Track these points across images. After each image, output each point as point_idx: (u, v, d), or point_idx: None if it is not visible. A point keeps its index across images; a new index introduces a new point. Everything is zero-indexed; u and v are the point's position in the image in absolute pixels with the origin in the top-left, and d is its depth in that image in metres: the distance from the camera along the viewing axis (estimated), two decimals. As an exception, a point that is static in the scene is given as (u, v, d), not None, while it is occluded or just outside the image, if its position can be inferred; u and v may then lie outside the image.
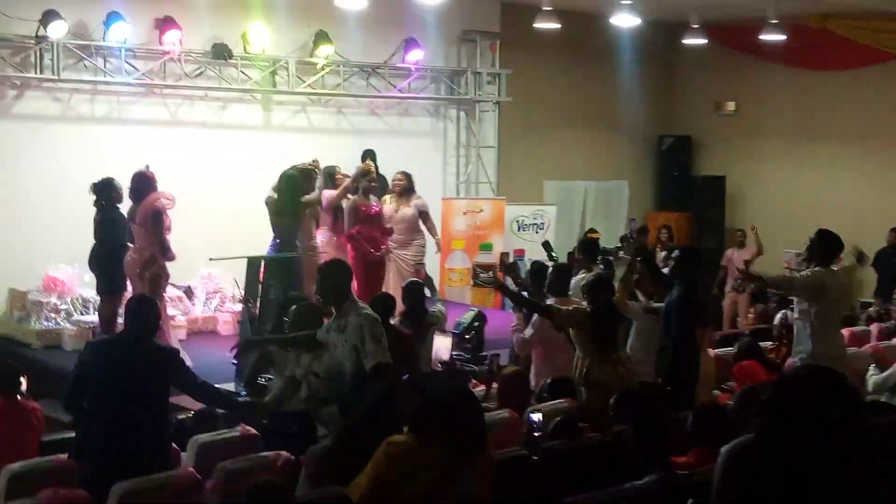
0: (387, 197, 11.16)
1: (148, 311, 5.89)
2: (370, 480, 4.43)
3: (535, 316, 8.06)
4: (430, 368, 8.30)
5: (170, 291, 10.79)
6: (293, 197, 9.90)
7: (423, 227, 11.32)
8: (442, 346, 7.82)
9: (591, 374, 7.19)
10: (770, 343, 9.44)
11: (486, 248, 13.94)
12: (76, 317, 10.40)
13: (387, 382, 6.03)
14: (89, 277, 9.92)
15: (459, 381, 7.32)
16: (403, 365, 6.96)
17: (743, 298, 14.47)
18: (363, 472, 4.42)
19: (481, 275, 13.81)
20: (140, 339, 5.75)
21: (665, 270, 8.48)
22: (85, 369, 5.73)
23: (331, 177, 10.76)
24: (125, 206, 9.47)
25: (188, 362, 9.23)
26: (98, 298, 9.86)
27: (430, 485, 4.33)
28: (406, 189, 11.19)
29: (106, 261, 9.43)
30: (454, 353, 9.68)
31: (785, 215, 15.81)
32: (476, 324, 9.90)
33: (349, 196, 10.59)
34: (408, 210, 11.13)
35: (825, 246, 7.60)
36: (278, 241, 9.78)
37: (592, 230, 14.99)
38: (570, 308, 7.69)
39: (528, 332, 8.13)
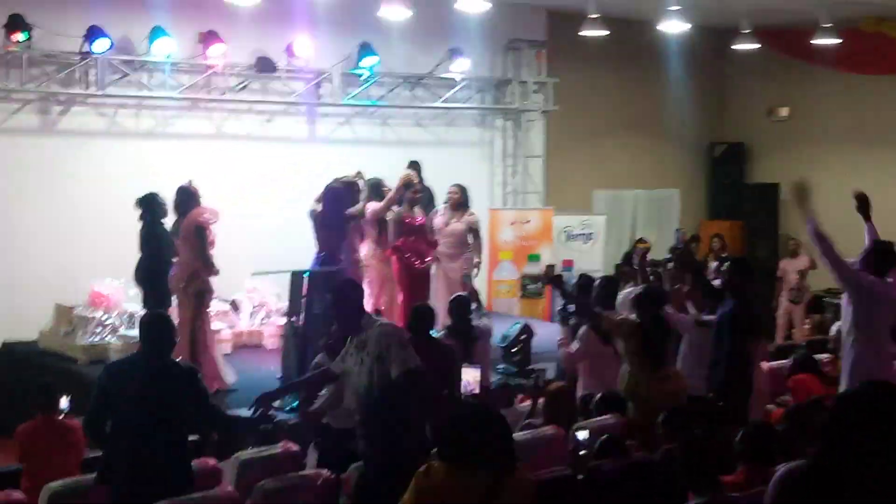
0: (440, 207, 11.00)
1: (163, 328, 5.75)
2: None
3: (582, 329, 7.89)
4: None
5: (215, 305, 10.79)
6: (337, 210, 9.79)
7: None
8: (471, 377, 7.62)
9: (638, 388, 7.02)
10: (826, 355, 9.18)
11: (534, 258, 13.77)
12: (122, 331, 10.37)
13: (420, 390, 5.84)
14: (135, 292, 9.89)
15: (486, 403, 7.07)
16: (444, 380, 6.81)
17: (798, 310, 14.18)
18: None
19: (529, 286, 13.68)
20: (157, 358, 5.62)
21: (716, 282, 8.26)
22: (104, 392, 5.61)
23: (376, 188, 10.64)
24: (169, 221, 9.43)
25: (232, 378, 9.36)
26: (143, 313, 9.81)
27: None
28: (459, 203, 10.99)
29: (151, 275, 9.40)
30: (500, 366, 9.56)
31: (840, 223, 15.38)
32: (523, 336, 9.77)
33: (393, 208, 10.47)
34: (458, 225, 10.93)
35: (878, 257, 7.32)
36: (323, 254, 9.68)
37: (641, 239, 14.78)
38: (619, 318, 7.51)
39: (575, 345, 7.96)
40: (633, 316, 7.54)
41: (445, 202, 11.10)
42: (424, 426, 5.80)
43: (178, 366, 5.85)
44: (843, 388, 7.23)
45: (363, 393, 5.87)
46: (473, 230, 11.06)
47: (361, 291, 6.50)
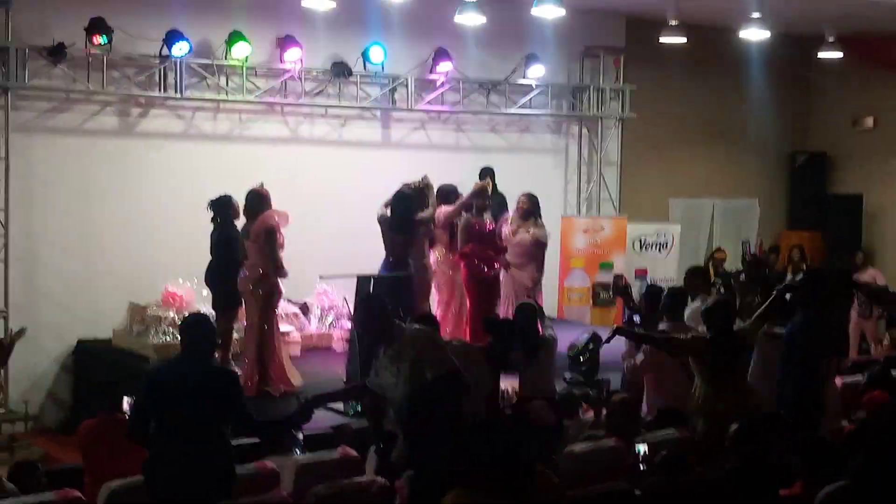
0: (508, 216, 10.91)
1: (202, 330, 5.75)
2: None
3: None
4: (543, 391, 8.00)
5: (286, 307, 10.88)
6: (406, 214, 9.79)
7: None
8: (509, 386, 7.51)
9: (708, 403, 6.89)
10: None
11: (607, 266, 13.63)
12: (193, 332, 10.47)
13: (457, 393, 5.76)
14: (207, 293, 9.99)
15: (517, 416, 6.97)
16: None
17: (869, 324, 13.84)
18: None
19: (601, 294, 13.54)
20: (196, 361, 5.64)
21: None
22: (146, 394, 5.67)
23: (448, 195, 10.61)
24: (241, 224, 9.51)
25: (299, 380, 9.39)
26: (214, 314, 9.91)
27: None
28: (528, 212, 10.84)
29: (221, 277, 9.47)
30: (568, 375, 9.46)
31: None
32: (591, 346, 9.63)
33: (464, 214, 10.43)
34: (525, 236, 10.78)
35: None
36: (391, 259, 9.69)
37: (719, 249, 14.56)
38: (689, 336, 7.37)
39: (639, 358, 7.85)
40: (702, 329, 7.41)
41: (515, 210, 11.00)
42: (468, 427, 5.72)
43: (217, 369, 5.88)
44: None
45: (404, 402, 5.85)
46: (541, 242, 10.90)
47: (388, 303, 6.40)
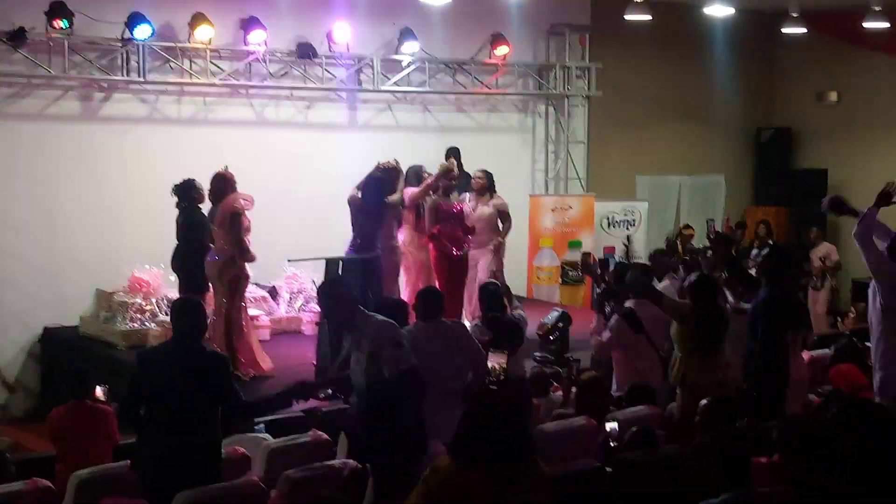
0: (466, 195, 10.94)
1: (194, 313, 5.73)
2: None
3: (613, 319, 7.79)
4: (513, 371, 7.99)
5: (254, 291, 10.83)
6: (376, 196, 9.76)
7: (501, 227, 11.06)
8: (497, 363, 7.52)
9: (688, 376, 6.92)
10: (871, 344, 9.00)
11: (576, 245, 13.67)
12: (161, 317, 10.42)
13: (413, 391, 5.76)
14: (174, 278, 9.92)
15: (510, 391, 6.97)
16: (461, 365, 6.73)
17: (820, 296, 14.01)
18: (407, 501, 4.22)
19: (570, 273, 13.58)
20: (188, 344, 5.62)
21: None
22: (138, 379, 5.64)
23: (417, 175, 10.60)
24: (206, 208, 9.45)
25: (269, 364, 9.36)
26: (176, 298, 9.84)
27: None
28: (485, 188, 10.94)
29: (187, 261, 9.40)
30: (538, 354, 9.48)
31: (888, 210, 15.14)
32: (560, 324, 9.65)
33: (430, 194, 10.42)
34: (486, 209, 10.89)
35: None
36: (358, 240, 9.67)
37: (687, 226, 14.62)
38: (682, 300, 7.36)
39: (606, 335, 7.87)
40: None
41: (471, 187, 10.99)
42: (422, 427, 5.70)
43: (209, 353, 5.81)
44: (875, 377, 7.08)
45: (362, 393, 5.87)
46: (503, 212, 10.98)
47: (353, 289, 6.39)
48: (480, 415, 4.15)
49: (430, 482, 4.08)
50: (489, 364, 6.94)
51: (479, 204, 10.87)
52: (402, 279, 10.38)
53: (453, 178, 10.49)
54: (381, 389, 5.75)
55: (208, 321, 9.47)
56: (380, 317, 6.13)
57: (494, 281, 8.13)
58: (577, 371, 7.88)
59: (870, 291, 6.87)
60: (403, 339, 5.97)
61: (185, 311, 5.77)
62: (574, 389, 7.22)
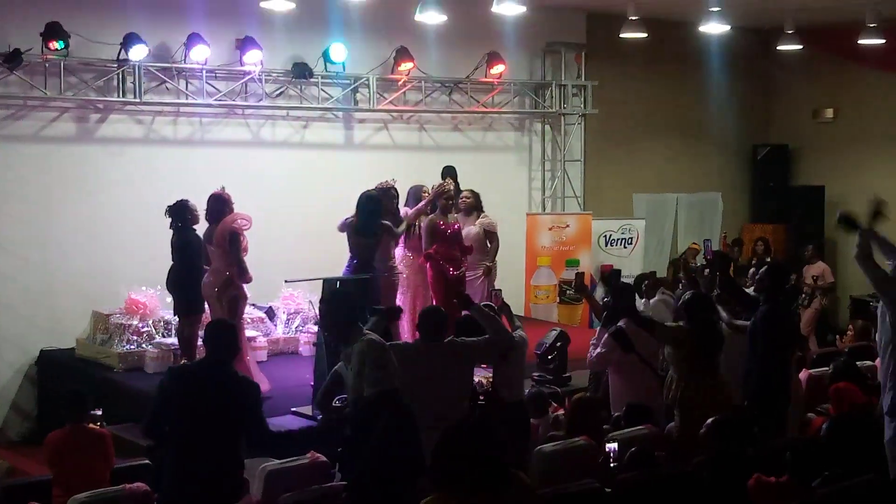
0: (456, 215, 10.87)
1: (226, 336, 5.79)
2: None
3: (605, 337, 7.75)
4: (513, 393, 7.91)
5: (251, 312, 10.79)
6: (372, 217, 9.72)
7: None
8: (484, 379, 7.48)
9: (684, 396, 6.87)
10: (869, 362, 8.97)
11: (573, 263, 13.64)
12: (158, 339, 10.39)
13: (395, 415, 5.74)
14: (170, 299, 9.89)
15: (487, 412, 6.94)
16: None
17: (806, 315, 13.99)
18: None
19: (568, 291, 13.55)
20: (220, 366, 5.65)
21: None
22: (167, 396, 5.65)
23: (416, 196, 10.58)
24: (202, 228, 9.42)
25: (266, 385, 9.31)
26: (177, 319, 9.83)
27: None
28: (472, 207, 10.94)
29: (182, 282, 9.39)
30: (536, 374, 9.44)
31: (888, 226, 15.12)
32: (559, 344, 9.63)
33: (427, 214, 10.39)
34: (472, 228, 10.89)
35: None
36: (355, 261, 9.63)
37: (694, 244, 14.58)
38: (675, 324, 7.33)
39: (595, 352, 7.84)
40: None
41: (457, 208, 10.93)
42: (406, 446, 5.67)
43: (240, 378, 5.82)
44: (884, 397, 7.03)
45: (349, 406, 5.89)
46: (490, 232, 10.98)
47: (351, 304, 6.38)
48: (455, 438, 4.03)
49: None
50: (475, 379, 6.92)
51: (467, 223, 10.85)
52: (399, 300, 10.33)
53: (450, 197, 10.47)
54: (362, 408, 5.77)
55: (200, 344, 9.57)
56: (374, 335, 6.14)
57: (491, 304, 8.04)
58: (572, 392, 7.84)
59: (878, 312, 6.82)
60: (389, 361, 5.91)
61: (220, 332, 5.82)
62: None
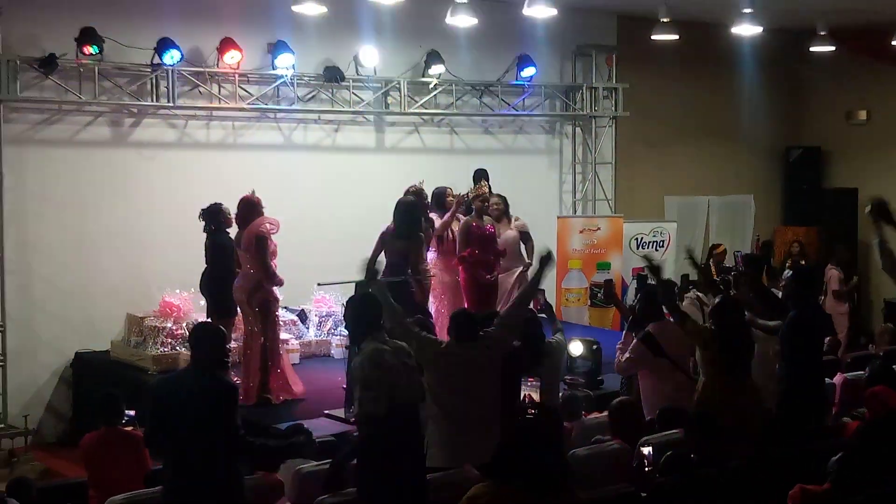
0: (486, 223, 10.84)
1: (211, 340, 5.66)
2: None
3: (634, 342, 7.72)
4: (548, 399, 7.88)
5: (283, 315, 10.82)
6: (408, 221, 9.70)
7: (523, 250, 11.02)
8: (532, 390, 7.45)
9: (703, 397, 6.85)
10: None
11: (604, 266, 13.61)
12: (191, 342, 10.43)
13: (370, 434, 5.66)
14: (204, 302, 9.94)
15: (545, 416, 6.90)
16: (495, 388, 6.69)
17: (841, 317, 13.79)
18: None
19: (599, 294, 13.50)
20: (203, 372, 5.53)
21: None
22: (156, 406, 5.57)
23: (439, 199, 10.57)
24: (234, 232, 9.47)
25: (300, 388, 9.33)
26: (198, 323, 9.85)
27: None
28: (503, 212, 10.90)
29: (215, 285, 9.44)
30: (569, 377, 9.40)
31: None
32: (593, 347, 9.62)
33: (459, 217, 10.40)
34: (510, 233, 10.86)
35: None
36: (390, 264, 9.62)
37: (717, 245, 14.49)
38: (703, 324, 7.29)
39: (623, 356, 7.80)
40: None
41: (488, 215, 10.89)
42: (388, 471, 5.61)
43: (220, 381, 5.63)
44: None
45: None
46: (524, 233, 10.98)
47: (367, 308, 6.17)
48: (518, 444, 4.09)
49: None
50: (523, 393, 6.90)
51: (501, 228, 10.81)
52: (431, 304, 10.33)
53: (486, 199, 10.48)
54: (356, 420, 5.82)
55: (234, 346, 9.60)
56: (380, 345, 5.77)
57: (532, 309, 7.99)
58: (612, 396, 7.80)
59: None
60: (382, 383, 5.61)
61: (203, 337, 5.70)
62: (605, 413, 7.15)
